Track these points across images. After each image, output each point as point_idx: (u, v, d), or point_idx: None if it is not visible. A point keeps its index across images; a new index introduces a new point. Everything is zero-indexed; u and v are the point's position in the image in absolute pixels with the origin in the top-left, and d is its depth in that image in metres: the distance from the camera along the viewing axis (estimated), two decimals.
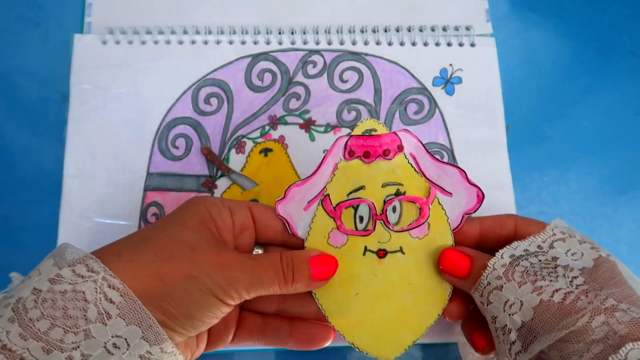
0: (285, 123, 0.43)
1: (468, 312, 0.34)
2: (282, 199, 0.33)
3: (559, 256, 0.30)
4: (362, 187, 0.33)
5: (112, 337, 0.25)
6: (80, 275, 0.26)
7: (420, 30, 0.46)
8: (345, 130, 0.43)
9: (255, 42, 0.45)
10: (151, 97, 0.44)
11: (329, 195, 0.33)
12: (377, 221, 0.33)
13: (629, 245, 0.43)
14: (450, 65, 0.45)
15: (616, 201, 0.44)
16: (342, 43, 0.45)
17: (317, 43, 0.45)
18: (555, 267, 0.29)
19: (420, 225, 0.33)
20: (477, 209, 0.33)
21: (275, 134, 0.43)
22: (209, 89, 0.44)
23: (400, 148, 0.33)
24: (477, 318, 0.33)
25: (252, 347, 0.38)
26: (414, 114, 0.44)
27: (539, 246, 0.30)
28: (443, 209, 0.33)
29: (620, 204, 0.44)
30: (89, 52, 0.44)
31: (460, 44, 0.45)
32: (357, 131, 0.33)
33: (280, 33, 0.45)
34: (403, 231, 0.33)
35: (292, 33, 0.45)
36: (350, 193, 0.33)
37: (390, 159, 0.33)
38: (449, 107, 0.44)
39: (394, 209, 0.33)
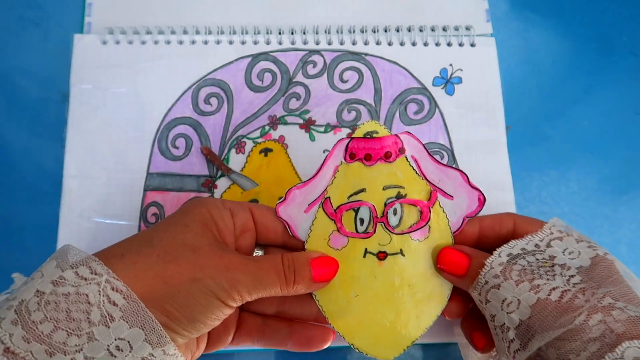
0: (285, 123, 0.43)
1: (467, 310, 0.34)
2: (282, 201, 0.33)
3: (556, 255, 0.30)
4: (362, 190, 0.33)
5: (115, 339, 0.25)
6: (84, 277, 0.26)
7: (420, 30, 0.46)
8: (345, 130, 0.43)
9: (255, 42, 0.45)
10: (151, 97, 0.44)
11: (329, 197, 0.33)
12: (378, 224, 0.33)
13: (629, 245, 0.43)
14: (450, 65, 0.45)
15: (616, 201, 0.44)
16: (342, 43, 0.45)
17: (317, 43, 0.45)
18: (553, 266, 0.29)
19: (421, 227, 0.33)
20: (478, 212, 0.33)
21: (275, 134, 0.43)
22: (209, 89, 0.44)
23: (402, 151, 0.33)
24: (477, 317, 0.33)
25: (252, 348, 0.38)
26: (414, 114, 0.44)
27: (536, 245, 0.30)
28: (444, 211, 0.33)
29: (620, 204, 0.44)
30: (89, 52, 0.44)
31: (460, 44, 0.45)
32: (359, 133, 0.33)
33: (280, 33, 0.45)
34: (404, 234, 0.33)
35: (292, 33, 0.45)
36: (351, 196, 0.33)
37: (392, 162, 0.33)
38: (449, 107, 0.44)
39: (394, 212, 0.33)
